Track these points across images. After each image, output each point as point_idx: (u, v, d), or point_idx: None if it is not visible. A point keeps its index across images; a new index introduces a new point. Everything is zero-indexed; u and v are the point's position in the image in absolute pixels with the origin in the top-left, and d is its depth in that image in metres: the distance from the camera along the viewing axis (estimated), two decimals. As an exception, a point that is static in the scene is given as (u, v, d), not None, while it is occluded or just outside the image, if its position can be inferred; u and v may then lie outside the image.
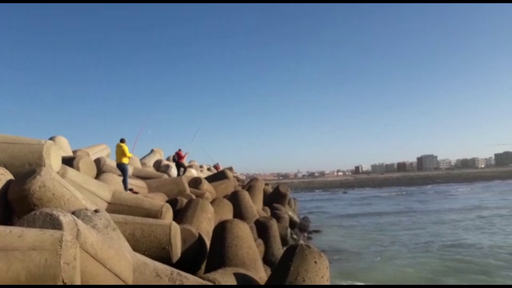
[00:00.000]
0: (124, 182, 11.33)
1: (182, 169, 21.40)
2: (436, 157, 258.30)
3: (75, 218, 3.85)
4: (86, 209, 4.81)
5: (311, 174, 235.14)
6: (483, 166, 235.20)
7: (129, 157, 12.11)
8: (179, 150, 21.84)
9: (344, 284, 9.70)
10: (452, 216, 26.51)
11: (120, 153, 11.99)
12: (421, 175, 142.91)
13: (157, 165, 20.81)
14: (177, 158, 21.79)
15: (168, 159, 23.82)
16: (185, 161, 22.70)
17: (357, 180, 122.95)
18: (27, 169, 6.00)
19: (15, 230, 3.08)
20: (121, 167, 11.76)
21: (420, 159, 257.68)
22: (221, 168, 29.02)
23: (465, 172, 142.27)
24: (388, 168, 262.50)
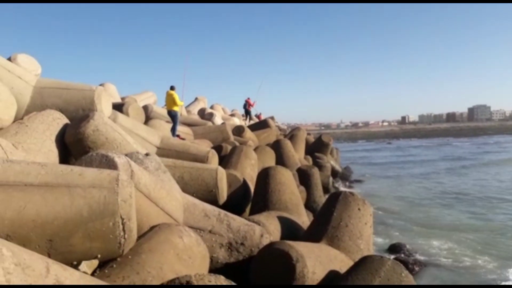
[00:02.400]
0: (173, 129, 11.66)
1: (248, 116, 23.28)
2: (489, 107, 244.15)
3: (129, 159, 4.05)
4: (137, 152, 5.03)
5: (355, 125, 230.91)
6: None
7: (179, 105, 12.43)
8: (248, 98, 23.78)
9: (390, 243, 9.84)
10: (497, 168, 25.59)
11: (171, 100, 12.28)
12: (471, 126, 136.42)
13: (201, 113, 21.15)
14: (247, 106, 23.80)
15: (245, 106, 25.30)
16: (252, 110, 24.68)
17: (402, 131, 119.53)
18: (80, 114, 6.30)
19: (76, 168, 3.28)
20: (172, 114, 12.09)
21: (471, 110, 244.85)
22: (262, 118, 29.18)
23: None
24: (437, 118, 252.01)
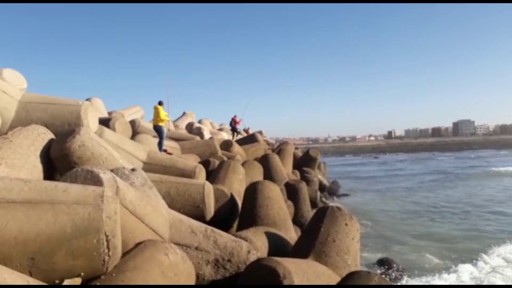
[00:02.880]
0: (160, 143, 11.58)
1: (235, 133, 23.84)
2: (473, 122, 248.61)
3: (114, 175, 4.01)
4: (123, 167, 4.98)
5: (342, 139, 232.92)
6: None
7: (163, 120, 12.29)
8: (235, 116, 24.58)
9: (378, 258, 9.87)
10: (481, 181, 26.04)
11: (156, 115, 12.22)
12: (456, 140, 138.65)
13: (189, 127, 21.14)
14: (233, 124, 24.75)
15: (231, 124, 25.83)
16: (239, 127, 25.25)
17: (389, 145, 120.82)
18: (66, 129, 6.23)
19: (60, 185, 3.24)
20: (157, 129, 12.02)
21: (456, 124, 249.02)
22: (251, 132, 29.30)
23: (504, 138, 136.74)
24: (422, 133, 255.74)
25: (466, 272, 8.74)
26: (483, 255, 9.88)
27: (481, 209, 16.59)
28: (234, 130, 25.04)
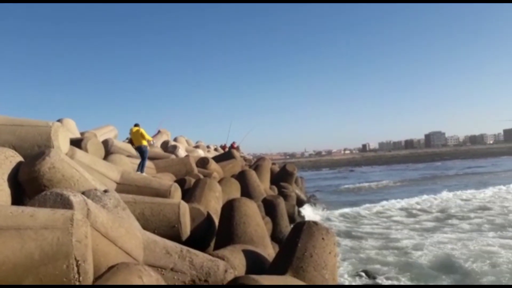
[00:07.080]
0: (142, 165, 11.15)
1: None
2: (444, 133, 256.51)
3: (85, 198, 3.91)
4: (95, 189, 4.87)
5: (318, 153, 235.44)
6: (491, 142, 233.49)
7: (149, 140, 11.94)
8: (233, 142, 28.03)
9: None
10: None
11: (139, 136, 11.82)
12: (428, 152, 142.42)
13: (164, 145, 20.89)
14: (231, 148, 26.18)
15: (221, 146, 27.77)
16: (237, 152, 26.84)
17: (364, 158, 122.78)
18: (36, 151, 6.06)
19: (27, 209, 3.14)
20: (142, 150, 11.62)
21: (427, 136, 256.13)
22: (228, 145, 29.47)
23: (473, 149, 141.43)
24: (396, 145, 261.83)
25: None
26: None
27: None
28: None
